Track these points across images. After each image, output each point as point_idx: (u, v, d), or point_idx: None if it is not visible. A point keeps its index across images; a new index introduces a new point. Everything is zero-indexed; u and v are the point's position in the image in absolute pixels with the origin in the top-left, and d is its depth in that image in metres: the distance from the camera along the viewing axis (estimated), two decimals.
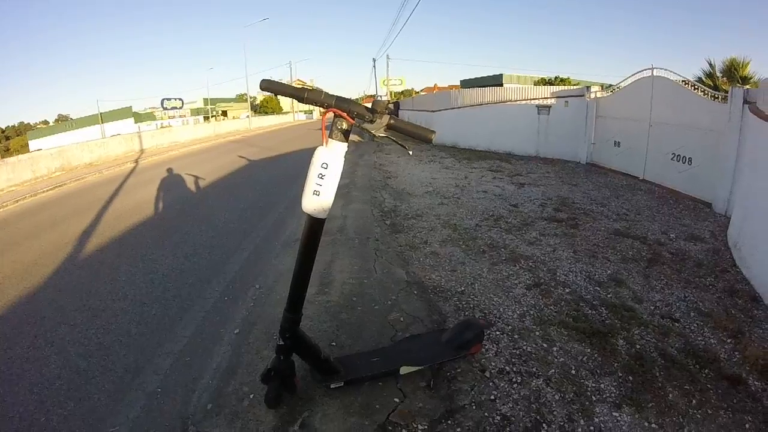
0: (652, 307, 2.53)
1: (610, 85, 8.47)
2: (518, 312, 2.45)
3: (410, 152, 1.48)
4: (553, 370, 1.90)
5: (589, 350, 2.05)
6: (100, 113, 39.34)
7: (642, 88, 6.61)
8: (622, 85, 7.39)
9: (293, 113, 47.42)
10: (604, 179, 6.72)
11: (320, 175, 1.36)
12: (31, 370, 2.39)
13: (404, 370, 1.79)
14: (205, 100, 46.27)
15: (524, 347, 2.08)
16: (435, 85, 44.60)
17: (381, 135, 1.39)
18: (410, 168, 8.20)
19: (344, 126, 1.39)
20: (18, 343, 2.69)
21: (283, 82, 1.48)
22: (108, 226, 5.34)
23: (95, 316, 2.97)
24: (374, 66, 37.90)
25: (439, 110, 13.46)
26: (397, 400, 1.74)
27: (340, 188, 6.03)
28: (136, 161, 12.59)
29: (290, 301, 1.55)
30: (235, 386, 1.96)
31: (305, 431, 1.63)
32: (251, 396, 1.86)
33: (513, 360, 1.98)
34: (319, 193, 1.37)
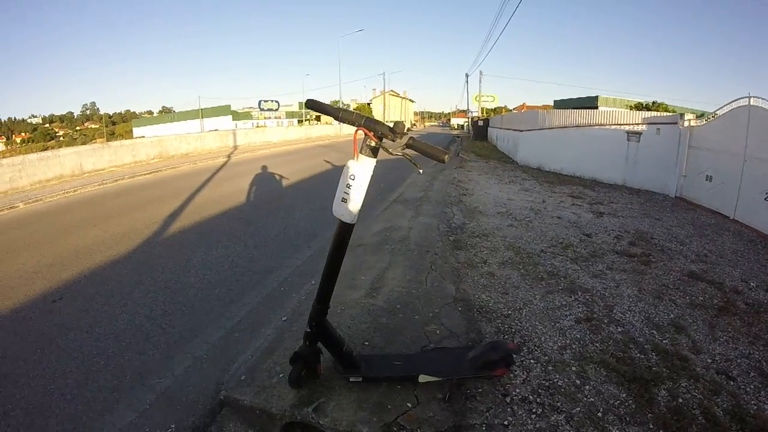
0: (709, 360, 2.31)
1: (704, 114, 7.79)
2: (560, 344, 2.38)
3: (420, 171, 1.65)
4: (578, 409, 1.83)
5: (624, 395, 1.94)
6: (201, 109, 45.59)
7: (737, 118, 6.12)
8: (719, 113, 6.86)
9: (384, 123, 49.50)
10: (690, 216, 6.25)
11: (348, 185, 1.61)
12: (102, 323, 3.03)
13: (423, 378, 1.90)
14: (300, 104, 50.58)
15: (555, 380, 2.03)
16: (524, 104, 43.28)
17: (398, 153, 1.58)
18: (488, 187, 8.16)
19: (372, 144, 1.62)
20: (96, 300, 3.40)
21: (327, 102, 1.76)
22: (192, 212, 6.30)
23: (166, 287, 3.60)
24: (467, 81, 38.13)
25: (526, 131, 13.32)
26: (409, 405, 1.85)
27: (412, 201, 6.43)
28: (228, 156, 14.42)
29: (319, 293, 1.79)
30: (269, 364, 2.26)
31: (318, 414, 1.84)
32: (281, 375, 2.13)
33: (539, 390, 1.96)
34: (346, 201, 1.62)
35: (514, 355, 2.12)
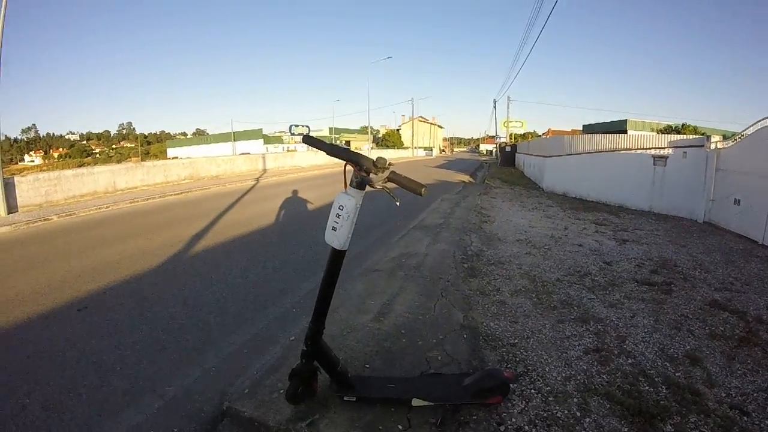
0: (724, 394, 2.21)
1: (733, 135, 7.64)
2: (564, 374, 2.37)
3: (398, 203, 1.78)
4: None
5: (626, 430, 1.90)
6: (233, 132, 47.88)
7: (764, 138, 5.99)
8: (746, 133, 6.73)
9: (413, 149, 50.21)
10: (717, 241, 6.05)
11: (338, 215, 1.76)
12: (122, 332, 3.28)
13: (416, 402, 1.97)
14: (331, 129, 52.24)
15: (554, 411, 2.03)
16: (549, 129, 43.10)
17: (378, 186, 1.73)
18: (511, 214, 8.15)
19: (358, 177, 1.78)
20: (118, 311, 3.68)
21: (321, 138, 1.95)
22: (217, 233, 6.63)
23: (185, 302, 3.82)
24: (494, 107, 38.66)
25: (552, 156, 13.38)
26: (401, 427, 1.91)
27: (432, 227, 6.54)
28: (257, 179, 15.04)
29: (314, 314, 1.93)
30: (272, 381, 2.38)
31: (311, 429, 1.93)
32: (281, 391, 2.24)
33: (536, 421, 1.96)
34: (336, 229, 1.77)
35: (511, 384, 2.14)
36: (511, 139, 36.88)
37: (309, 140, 2.01)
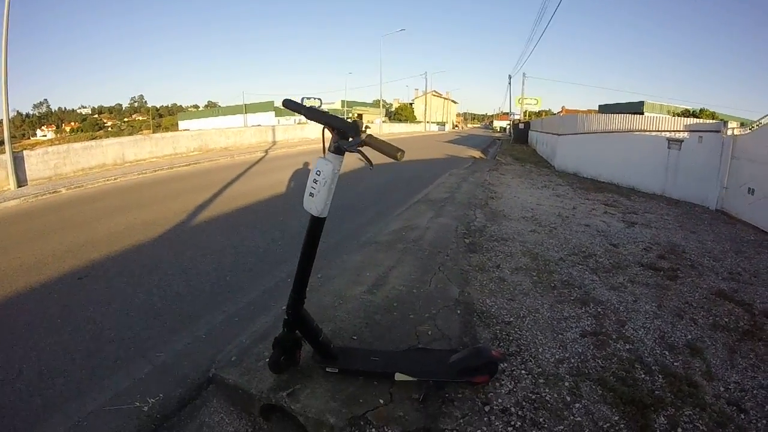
0: (722, 389, 2.10)
1: (751, 122, 7.30)
2: (558, 356, 2.29)
3: (371, 167, 1.69)
4: (561, 428, 1.76)
5: (616, 418, 1.83)
6: (245, 104, 47.60)
7: None
8: (764, 122, 6.41)
9: (425, 123, 49.31)
10: (728, 230, 5.81)
11: (315, 180, 1.69)
12: (119, 300, 3.32)
13: (399, 377, 1.92)
14: (343, 102, 51.50)
15: (544, 394, 1.97)
16: (563, 107, 41.95)
17: (353, 150, 1.64)
18: (519, 191, 7.96)
19: (336, 141, 1.69)
20: (117, 279, 3.70)
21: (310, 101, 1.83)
22: (221, 204, 6.63)
23: (183, 271, 3.85)
24: (509, 83, 37.63)
25: (564, 134, 13.08)
26: (382, 401, 1.87)
27: (437, 201, 6.42)
28: (266, 151, 14.98)
29: (295, 283, 1.88)
30: (260, 349, 2.36)
31: (291, 399, 1.91)
32: (267, 359, 2.22)
33: (524, 403, 1.90)
34: (313, 195, 1.71)
35: (500, 364, 2.08)
36: (525, 116, 36.01)
37: (289, 103, 1.93)
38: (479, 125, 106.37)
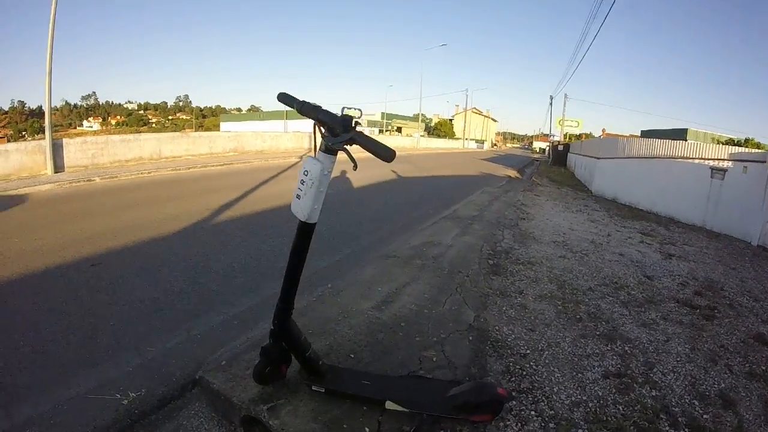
0: None
1: None
2: (574, 398, 2.02)
3: (355, 168, 1.51)
4: None
5: None
6: (286, 110, 48.97)
7: None
8: None
9: (464, 140, 48.93)
10: None
11: (302, 182, 1.56)
12: (125, 290, 3.32)
13: (389, 405, 1.73)
14: (383, 114, 52.01)
15: None
16: (603, 130, 40.46)
17: (339, 147, 1.51)
18: (552, 214, 7.58)
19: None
20: (127, 270, 3.73)
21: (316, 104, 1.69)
22: (245, 205, 6.69)
23: (193, 268, 3.83)
24: (551, 104, 36.94)
25: (604, 158, 12.62)
26: (367, 430, 1.69)
27: (464, 218, 6.20)
28: (301, 157, 15.19)
29: (282, 292, 1.75)
30: (251, 356, 2.23)
31: (271, 414, 1.76)
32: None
33: None
34: (300, 198, 1.57)
35: (506, 403, 1.84)
36: (565, 138, 35.14)
37: (283, 97, 1.81)
38: (518, 145, 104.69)
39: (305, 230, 1.65)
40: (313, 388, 1.85)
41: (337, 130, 1.51)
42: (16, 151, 8.74)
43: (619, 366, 2.39)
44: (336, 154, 1.57)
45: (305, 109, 1.63)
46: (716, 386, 2.30)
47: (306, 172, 1.55)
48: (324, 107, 1.70)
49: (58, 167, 9.10)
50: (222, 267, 3.86)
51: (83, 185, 8.05)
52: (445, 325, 2.73)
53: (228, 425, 1.96)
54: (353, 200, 7.87)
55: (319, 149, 1.58)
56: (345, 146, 1.50)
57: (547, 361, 2.37)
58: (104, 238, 4.52)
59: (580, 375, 2.25)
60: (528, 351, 2.49)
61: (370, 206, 7.32)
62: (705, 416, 2.00)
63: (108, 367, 2.30)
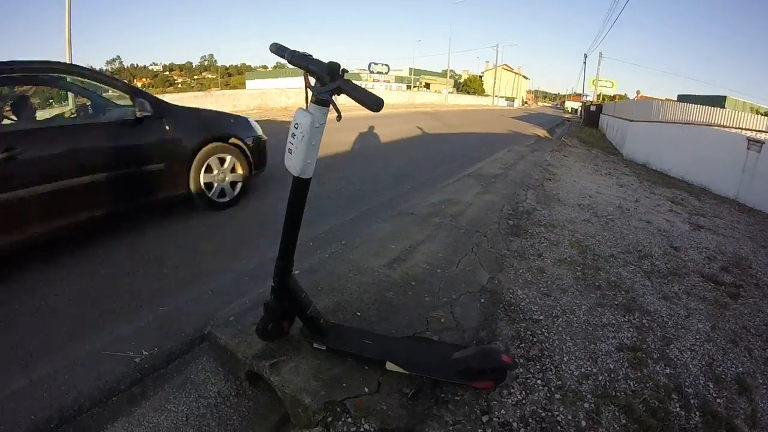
0: None
1: None
2: (584, 370, 1.93)
3: (339, 119, 1.46)
4: None
5: None
6: None
7: None
8: None
9: (493, 97, 46.78)
10: None
11: (293, 134, 1.48)
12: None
13: (390, 366, 1.69)
14: (410, 70, 50.12)
15: (556, 413, 1.64)
16: (638, 92, 37.64)
17: (326, 97, 1.41)
18: (580, 176, 7.21)
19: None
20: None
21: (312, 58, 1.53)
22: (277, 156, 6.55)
23: (206, 225, 3.78)
24: (584, 62, 34.64)
25: (637, 121, 12.05)
26: (367, 389, 1.67)
27: (487, 177, 5.97)
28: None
29: (280, 248, 1.69)
30: (260, 312, 2.23)
31: (273, 370, 1.77)
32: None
33: (530, 420, 1.60)
34: (291, 151, 1.49)
35: (509, 371, 1.76)
36: (598, 99, 33.11)
37: (275, 48, 1.67)
38: (550, 104, 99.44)
39: (299, 186, 1.57)
40: (314, 345, 1.84)
41: (325, 79, 1.40)
42: None
43: (634, 339, 2.26)
44: (328, 106, 1.45)
45: (295, 59, 1.50)
46: (734, 369, 2.15)
47: (296, 125, 1.46)
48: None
49: None
50: (237, 225, 3.86)
51: None
52: (457, 285, 2.66)
53: (233, 379, 1.99)
54: (378, 156, 7.72)
55: (310, 101, 1.47)
56: (332, 96, 1.39)
57: (560, 329, 2.27)
58: None
59: (592, 346, 2.14)
60: (541, 317, 2.39)
61: (392, 163, 7.15)
62: (718, 400, 1.88)
63: (123, 324, 2.36)
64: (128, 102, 3.41)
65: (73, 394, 1.84)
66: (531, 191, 5.34)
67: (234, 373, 2.00)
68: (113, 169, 3.17)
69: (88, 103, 3.72)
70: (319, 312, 1.87)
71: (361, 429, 1.52)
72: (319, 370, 1.78)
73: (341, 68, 1.40)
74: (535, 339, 2.16)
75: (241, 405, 1.89)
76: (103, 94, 3.74)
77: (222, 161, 4.00)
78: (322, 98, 1.41)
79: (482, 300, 2.51)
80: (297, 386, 1.69)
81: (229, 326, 2.13)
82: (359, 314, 2.26)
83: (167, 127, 3.55)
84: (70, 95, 4.14)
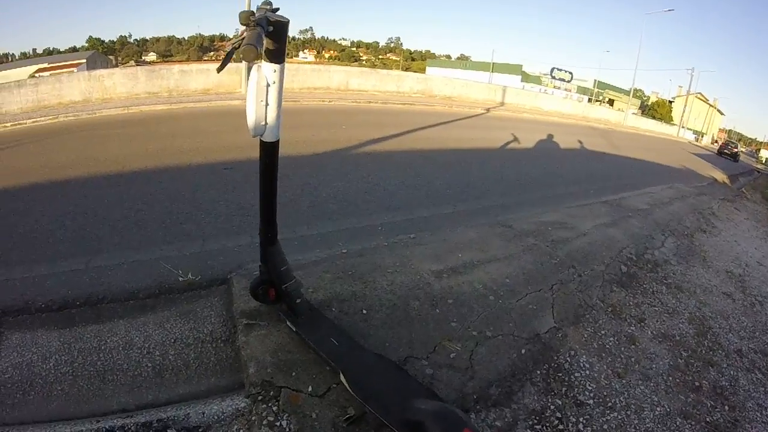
0: None
1: None
2: None
3: (218, 70, 1.34)
4: None
5: None
6: (492, 62, 46.25)
7: None
8: None
9: (679, 127, 38.34)
10: None
11: (248, 92, 1.37)
12: (234, 197, 3.61)
13: (342, 379, 1.43)
14: (595, 82, 44.75)
15: None
16: None
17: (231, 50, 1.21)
18: (745, 237, 5.43)
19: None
20: (249, 175, 4.02)
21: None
22: (394, 143, 6.61)
23: (301, 188, 3.97)
24: None
25: None
26: (310, 388, 1.46)
27: (624, 208, 5.05)
28: (488, 109, 14.32)
29: (260, 218, 1.61)
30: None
31: (245, 331, 1.74)
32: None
33: None
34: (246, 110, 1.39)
35: None
36: None
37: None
38: (743, 149, 77.15)
39: (262, 149, 1.46)
40: (288, 323, 1.68)
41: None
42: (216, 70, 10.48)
43: None
44: (280, 63, 1.33)
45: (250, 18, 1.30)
46: None
47: (248, 79, 1.36)
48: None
49: None
50: (329, 195, 3.90)
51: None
52: (503, 322, 2.15)
53: (231, 326, 1.98)
54: (509, 163, 6.95)
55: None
56: (232, 48, 1.19)
57: (603, 428, 1.62)
58: (244, 150, 4.80)
59: None
60: (590, 401, 1.76)
61: (522, 170, 6.37)
62: None
63: (172, 250, 2.65)
64: None
65: (105, 286, 2.15)
66: (672, 239, 4.09)
67: (232, 321, 1.99)
68: None
69: None
70: (299, 291, 1.71)
71: (279, 423, 1.33)
72: (280, 349, 1.64)
73: (253, 21, 1.17)
74: (560, 428, 1.58)
75: (223, 351, 1.87)
76: None
77: None
78: (271, 49, 1.29)
79: (524, 351, 1.97)
80: (252, 353, 1.60)
81: (249, 278, 2.12)
82: (365, 312, 2.01)
83: None
84: None
